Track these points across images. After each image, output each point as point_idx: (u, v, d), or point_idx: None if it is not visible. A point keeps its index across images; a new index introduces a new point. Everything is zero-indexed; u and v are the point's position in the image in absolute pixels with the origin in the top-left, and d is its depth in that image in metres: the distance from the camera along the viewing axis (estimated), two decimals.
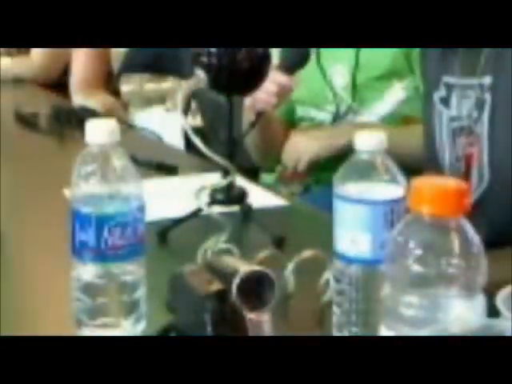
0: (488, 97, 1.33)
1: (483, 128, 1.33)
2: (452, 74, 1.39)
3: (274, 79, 1.64)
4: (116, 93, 2.94)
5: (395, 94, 1.90)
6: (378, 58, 1.90)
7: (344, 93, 1.95)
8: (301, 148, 1.86)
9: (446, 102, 1.41)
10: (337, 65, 1.97)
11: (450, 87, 1.40)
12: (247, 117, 1.74)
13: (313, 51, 1.92)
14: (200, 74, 1.24)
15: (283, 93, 1.70)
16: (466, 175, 1.36)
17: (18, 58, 3.02)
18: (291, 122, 2.03)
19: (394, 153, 0.96)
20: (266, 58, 1.28)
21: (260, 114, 1.62)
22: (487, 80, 1.33)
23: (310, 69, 1.91)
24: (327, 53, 1.98)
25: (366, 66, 1.93)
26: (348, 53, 1.94)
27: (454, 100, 1.40)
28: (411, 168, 1.70)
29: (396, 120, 1.90)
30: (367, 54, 1.92)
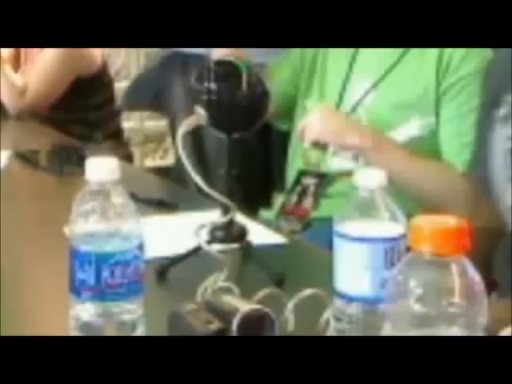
0: None
1: None
2: None
3: None
4: (119, 130, 2.95)
5: (409, 130, 1.79)
6: (407, 83, 1.79)
7: (360, 108, 1.84)
8: (317, 124, 1.77)
9: (506, 120, 1.39)
10: (361, 75, 1.86)
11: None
12: None
13: (348, 53, 1.86)
14: (200, 112, 1.25)
15: None
16: None
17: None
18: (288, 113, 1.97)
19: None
20: (266, 96, 1.28)
21: None
22: None
23: (335, 67, 1.88)
24: (361, 59, 1.86)
25: (390, 86, 1.82)
26: (377, 67, 1.83)
27: None
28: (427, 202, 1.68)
29: None
30: (397, 75, 1.81)
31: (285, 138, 2.03)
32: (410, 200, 1.59)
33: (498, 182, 1.40)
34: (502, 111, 1.40)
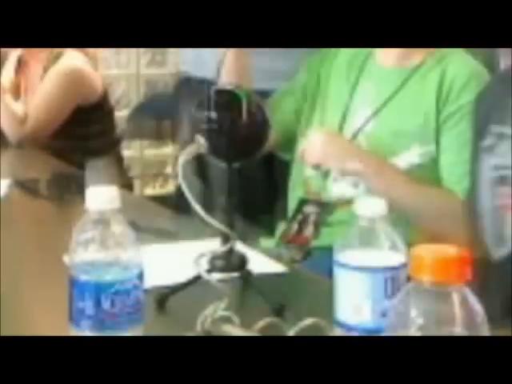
0: None
1: None
2: (503, 123, 1.38)
3: None
4: (119, 158, 2.95)
5: (409, 158, 1.78)
6: (408, 111, 1.78)
7: (360, 135, 1.83)
8: (317, 147, 1.77)
9: (491, 150, 1.40)
10: (362, 104, 1.85)
11: (499, 136, 1.39)
12: None
13: (348, 83, 1.88)
14: (200, 140, 1.25)
15: None
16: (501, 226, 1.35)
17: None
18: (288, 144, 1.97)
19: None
20: (266, 124, 1.28)
21: None
22: None
23: (335, 91, 1.88)
24: (361, 88, 1.86)
25: (391, 114, 1.81)
26: (378, 95, 1.83)
27: (502, 148, 1.38)
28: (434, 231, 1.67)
29: None
30: (397, 103, 1.80)
31: (289, 167, 2.03)
32: (411, 229, 1.58)
33: (484, 211, 1.40)
34: (487, 142, 1.41)
